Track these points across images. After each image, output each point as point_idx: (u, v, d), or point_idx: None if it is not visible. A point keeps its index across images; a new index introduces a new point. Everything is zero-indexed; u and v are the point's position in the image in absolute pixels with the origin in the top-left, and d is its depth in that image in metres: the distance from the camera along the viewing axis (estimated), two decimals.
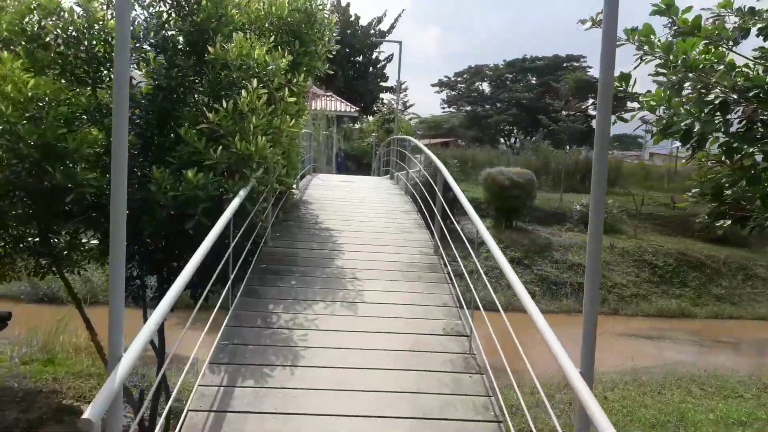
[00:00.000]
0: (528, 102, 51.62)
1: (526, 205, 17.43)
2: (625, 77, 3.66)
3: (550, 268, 15.63)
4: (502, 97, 52.74)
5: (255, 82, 4.82)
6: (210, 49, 4.95)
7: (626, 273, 15.92)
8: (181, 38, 5.41)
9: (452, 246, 6.44)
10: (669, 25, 3.74)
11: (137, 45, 5.02)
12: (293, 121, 5.41)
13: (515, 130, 56.02)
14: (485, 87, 56.42)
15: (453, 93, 57.30)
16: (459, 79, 56.83)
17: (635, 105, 3.77)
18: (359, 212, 8.70)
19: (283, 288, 5.33)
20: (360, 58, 35.28)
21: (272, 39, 5.69)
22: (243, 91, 4.79)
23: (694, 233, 19.10)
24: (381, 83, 35.77)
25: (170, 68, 5.14)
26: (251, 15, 6.13)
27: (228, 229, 3.97)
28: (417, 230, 7.96)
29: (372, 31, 34.75)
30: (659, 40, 3.51)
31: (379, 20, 34.75)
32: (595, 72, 48.51)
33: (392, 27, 34.79)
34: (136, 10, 5.14)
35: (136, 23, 5.05)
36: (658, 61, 3.70)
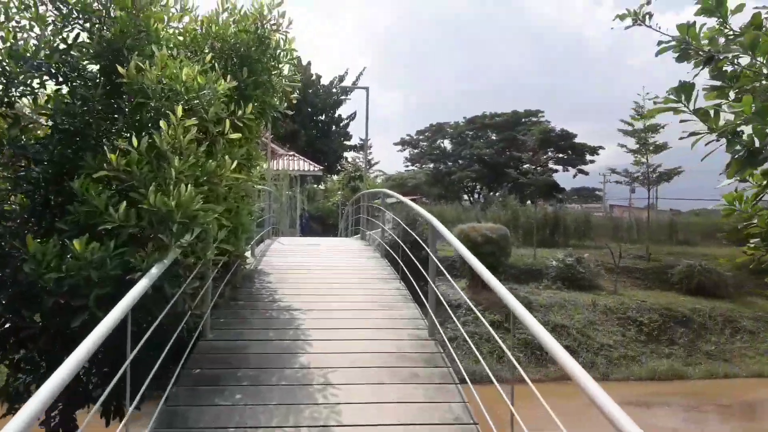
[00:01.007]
0: (489, 157, 52.09)
1: (502, 262, 16.58)
2: (686, 89, 2.71)
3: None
4: (464, 154, 53.15)
5: (180, 109, 3.58)
6: (122, 71, 3.72)
7: (612, 332, 15.04)
8: (87, 62, 4.11)
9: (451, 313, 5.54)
10: (719, 25, 2.94)
11: (28, 72, 3.73)
12: (241, 169, 4.38)
13: (478, 186, 56.31)
14: (447, 144, 56.91)
15: (416, 151, 57.59)
16: (421, 137, 57.28)
17: (690, 120, 2.79)
18: (329, 283, 7.11)
19: (223, 409, 3.70)
20: (323, 117, 34.92)
21: (209, 59, 4.50)
22: (162, 123, 3.54)
23: (672, 286, 18.58)
24: (344, 142, 35.38)
25: (73, 102, 3.89)
26: (185, 36, 4.93)
27: (126, 328, 2.72)
28: (403, 304, 6.44)
29: (334, 90, 34.54)
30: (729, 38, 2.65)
31: (341, 78, 34.65)
32: (555, 125, 49.52)
33: (354, 84, 34.69)
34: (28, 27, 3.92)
35: (28, 43, 3.82)
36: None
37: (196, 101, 3.82)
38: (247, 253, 7.27)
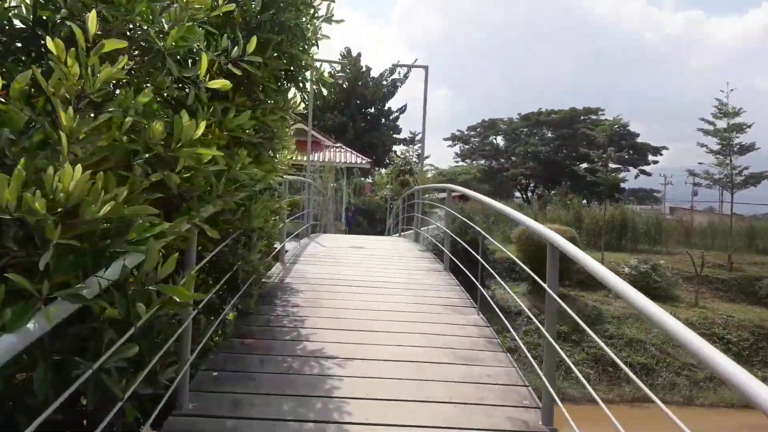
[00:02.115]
0: (545, 155, 49.91)
1: (569, 268, 14.89)
2: None
3: (604, 345, 12.93)
4: (518, 151, 51.12)
5: (93, 20, 1.85)
6: None
7: None
8: None
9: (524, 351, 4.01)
10: None
11: None
12: (245, 148, 3.05)
13: (532, 184, 54.09)
14: (499, 140, 54.97)
15: (466, 147, 55.84)
16: (472, 133, 55.51)
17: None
18: (378, 311, 4.91)
19: None
20: (372, 110, 33.73)
21: None
22: (51, 43, 1.68)
23: (760, 300, 16.47)
24: (394, 135, 34.09)
25: None
26: None
27: None
28: (490, 353, 4.05)
29: (384, 82, 33.29)
30: None
31: (392, 71, 33.35)
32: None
33: (405, 77, 33.36)
34: None
35: None
36: None
37: (127, 14, 2.11)
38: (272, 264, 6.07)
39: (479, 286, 5.13)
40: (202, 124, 2.07)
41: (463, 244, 6.65)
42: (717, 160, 19.66)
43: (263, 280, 4.74)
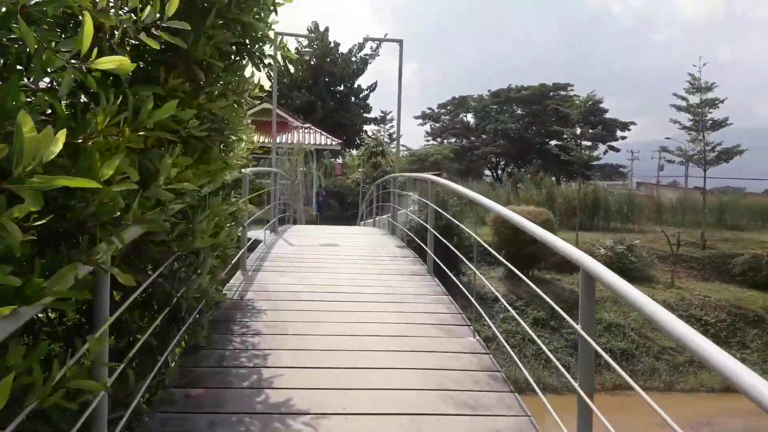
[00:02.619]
0: (515, 132, 49.72)
1: (545, 251, 14.55)
2: None
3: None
4: (489, 129, 50.84)
5: None
6: None
7: None
8: None
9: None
10: None
11: None
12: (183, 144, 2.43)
13: (502, 162, 53.95)
14: (470, 118, 54.56)
15: (437, 125, 55.30)
16: (443, 110, 54.94)
17: None
18: (357, 335, 4.07)
19: None
20: (341, 88, 32.80)
21: None
22: None
23: (734, 278, 16.46)
24: (364, 114, 33.25)
25: None
26: None
27: None
28: (496, 393, 3.23)
29: (354, 59, 32.34)
30: None
31: (361, 47, 32.38)
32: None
33: (375, 52, 32.45)
34: None
35: None
36: None
37: None
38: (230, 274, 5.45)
39: (464, 289, 4.50)
40: (61, 136, 1.32)
41: (441, 238, 6.05)
42: (690, 136, 19.50)
43: (221, 297, 4.03)
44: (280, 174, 17.11)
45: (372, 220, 14.12)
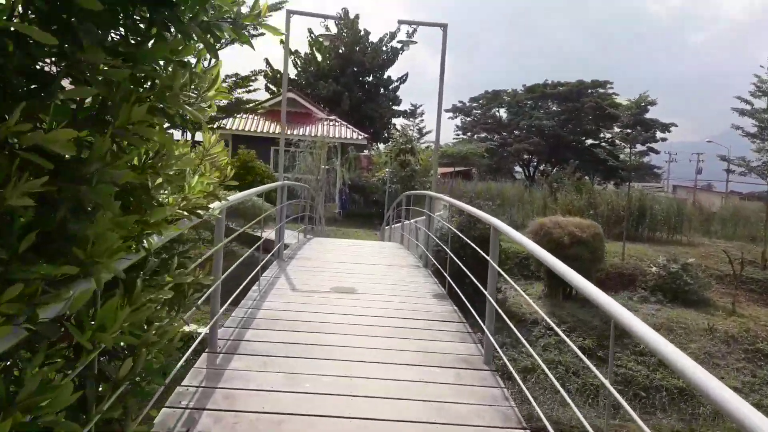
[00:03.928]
0: (550, 129, 47.75)
1: (592, 268, 12.99)
2: None
3: (634, 363, 11.14)
4: (522, 125, 48.87)
5: None
6: None
7: (739, 370, 11.43)
8: None
9: None
10: None
11: None
12: None
13: (535, 160, 52.03)
14: (503, 113, 52.65)
15: (468, 119, 53.54)
16: (474, 104, 53.14)
17: None
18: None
19: None
20: (370, 78, 31.35)
21: None
22: None
23: None
24: (393, 107, 31.76)
25: None
26: None
27: None
28: None
29: (384, 48, 30.83)
30: None
31: (392, 36, 30.85)
32: (627, 98, 44.67)
33: (410, 39, 30.83)
34: None
35: None
36: None
37: None
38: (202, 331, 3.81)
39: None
40: None
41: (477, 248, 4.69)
42: (756, 145, 17.54)
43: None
44: (296, 180, 15.52)
45: (400, 224, 12.74)
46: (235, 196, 3.87)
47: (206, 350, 3.82)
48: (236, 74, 11.66)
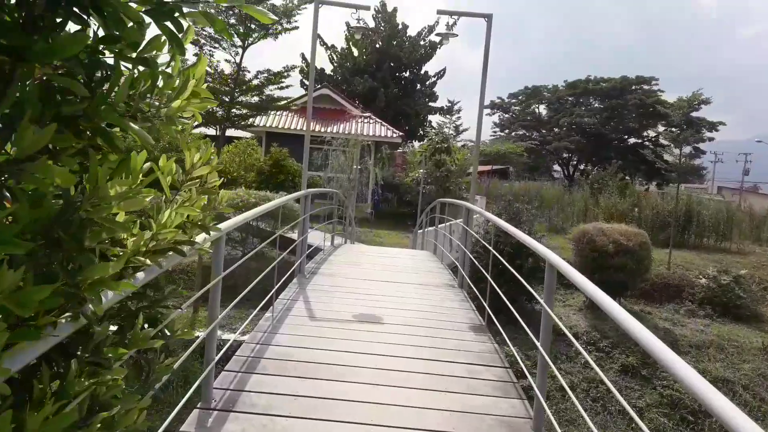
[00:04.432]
0: (592, 128, 46.32)
1: (638, 280, 12.25)
2: None
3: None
4: (562, 122, 47.53)
5: None
6: None
7: None
8: None
9: None
10: None
11: None
12: None
13: (575, 159, 50.64)
14: (542, 110, 51.38)
15: (506, 116, 52.43)
16: (513, 101, 51.98)
17: None
18: None
19: None
20: (406, 74, 30.79)
21: None
22: None
23: None
24: (430, 103, 31.13)
25: None
26: None
27: None
28: None
29: (422, 42, 30.21)
30: None
31: (430, 30, 30.21)
32: (673, 95, 42.99)
33: (450, 32, 30.14)
34: None
35: None
36: None
37: None
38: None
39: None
40: None
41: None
42: None
43: None
44: (328, 180, 14.99)
45: (432, 228, 12.24)
46: (230, 222, 3.18)
47: (198, 405, 3.18)
48: (268, 70, 11.32)
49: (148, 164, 1.68)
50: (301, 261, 6.55)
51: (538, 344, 3.31)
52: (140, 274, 1.61)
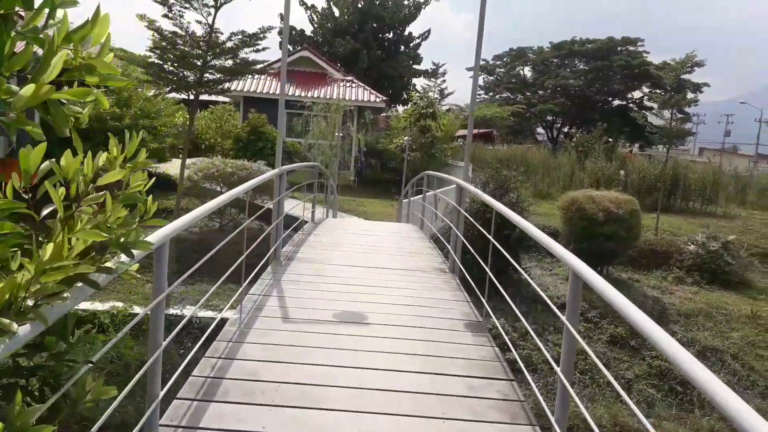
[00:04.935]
0: (576, 90, 45.82)
1: (628, 247, 12.02)
2: None
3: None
4: (547, 84, 46.96)
5: None
6: None
7: None
8: None
9: None
10: None
11: None
12: None
13: (558, 121, 50.24)
14: (527, 72, 50.66)
15: (491, 78, 51.69)
16: (498, 62, 51.16)
17: None
18: None
19: None
20: (390, 35, 29.87)
21: None
22: None
23: None
24: (414, 66, 30.32)
25: None
26: None
27: None
28: None
29: (406, 2, 29.22)
30: None
31: None
32: (658, 57, 42.52)
33: None
34: None
35: None
36: None
37: None
38: None
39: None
40: None
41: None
42: None
43: None
44: (309, 147, 14.33)
45: (420, 196, 11.83)
46: (170, 228, 2.42)
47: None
48: (242, 31, 10.62)
49: (46, 164, 1.23)
50: (276, 247, 5.92)
51: (557, 369, 2.84)
52: (24, 328, 1.15)
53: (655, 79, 43.99)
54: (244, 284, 4.21)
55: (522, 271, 4.72)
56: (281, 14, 30.91)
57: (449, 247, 6.60)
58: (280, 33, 30.19)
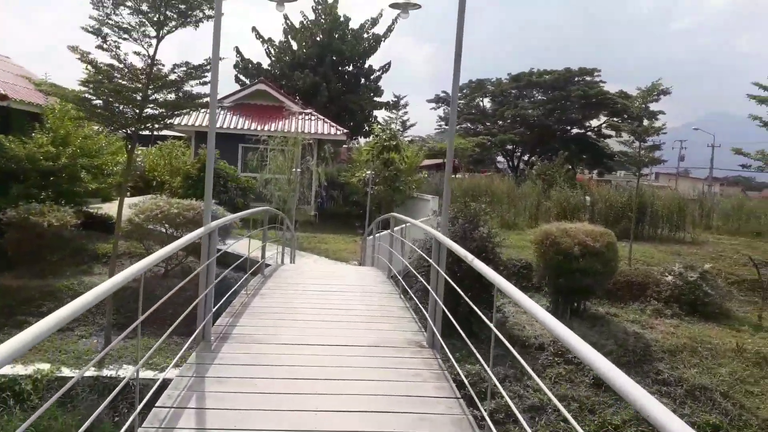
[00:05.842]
0: (535, 120, 46.26)
1: (605, 282, 11.42)
2: None
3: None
4: (507, 114, 47.35)
5: None
6: None
7: None
8: None
9: None
10: None
11: None
12: None
13: (518, 150, 50.60)
14: (486, 103, 51.12)
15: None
16: (458, 94, 51.28)
17: None
18: None
19: None
20: (350, 68, 29.42)
21: None
22: None
23: None
24: (375, 98, 29.87)
25: None
26: None
27: None
28: None
29: (366, 35, 28.92)
30: None
31: (374, 22, 28.95)
32: (614, 86, 43.41)
33: (389, 30, 28.96)
34: None
35: None
36: None
37: None
38: None
39: None
40: None
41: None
42: None
43: None
44: (265, 182, 13.57)
45: (384, 233, 10.99)
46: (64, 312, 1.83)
47: None
48: (186, 63, 9.79)
49: None
50: (205, 323, 4.59)
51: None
52: None
53: (613, 107, 44.95)
54: (158, 384, 3.13)
55: (488, 321, 3.92)
56: (236, 47, 30.23)
57: (427, 316, 5.39)
58: (236, 66, 29.51)
